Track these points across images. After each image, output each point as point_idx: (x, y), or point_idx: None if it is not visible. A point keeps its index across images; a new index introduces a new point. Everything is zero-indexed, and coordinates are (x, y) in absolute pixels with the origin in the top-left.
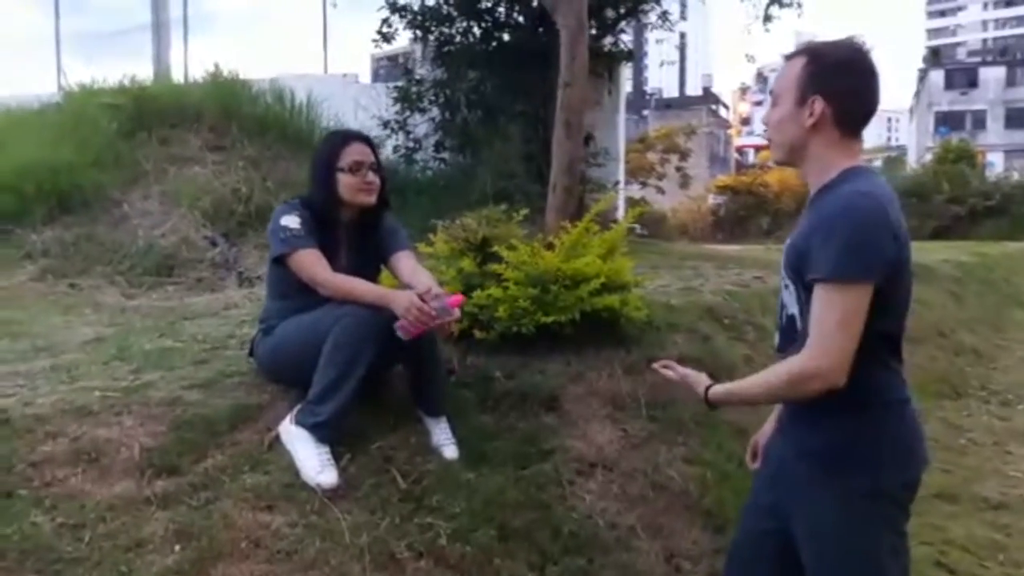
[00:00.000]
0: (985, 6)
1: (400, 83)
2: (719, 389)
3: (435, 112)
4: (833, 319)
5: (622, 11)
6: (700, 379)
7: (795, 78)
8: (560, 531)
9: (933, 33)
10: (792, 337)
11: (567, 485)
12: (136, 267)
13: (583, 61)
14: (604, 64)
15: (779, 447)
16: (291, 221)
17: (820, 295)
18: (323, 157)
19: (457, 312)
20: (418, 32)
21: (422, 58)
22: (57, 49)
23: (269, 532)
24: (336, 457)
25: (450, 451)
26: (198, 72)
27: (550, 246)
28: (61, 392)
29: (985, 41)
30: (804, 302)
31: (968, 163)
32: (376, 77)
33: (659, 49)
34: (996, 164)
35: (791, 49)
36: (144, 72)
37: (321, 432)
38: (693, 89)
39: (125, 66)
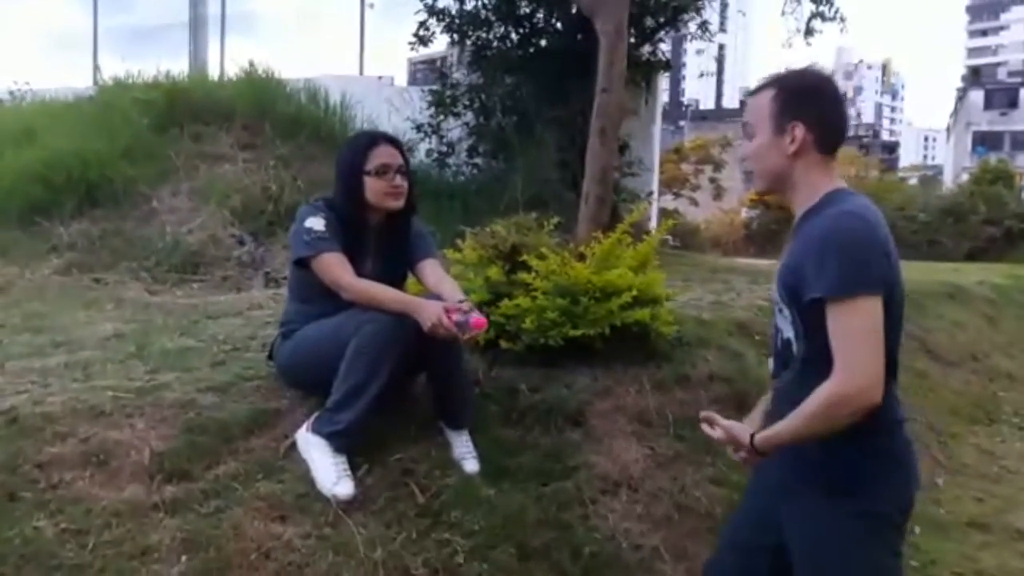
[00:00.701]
0: None
1: (435, 87)
2: (761, 437)
3: (469, 117)
4: (856, 335)
5: (661, 20)
6: (744, 430)
7: (768, 108)
8: (581, 552)
9: (973, 52)
10: (787, 360)
11: (590, 504)
12: (162, 263)
13: (621, 68)
14: (642, 73)
15: (777, 464)
16: (316, 223)
17: (836, 314)
18: (348, 159)
19: (476, 332)
20: (455, 36)
21: (458, 62)
22: (95, 44)
23: (280, 543)
24: (353, 468)
25: (471, 465)
26: (233, 71)
27: (581, 256)
28: (73, 391)
29: None
30: (800, 326)
31: (1006, 184)
32: (413, 81)
33: (698, 60)
34: None
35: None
36: (180, 69)
37: (339, 441)
38: (730, 102)
39: (162, 63)
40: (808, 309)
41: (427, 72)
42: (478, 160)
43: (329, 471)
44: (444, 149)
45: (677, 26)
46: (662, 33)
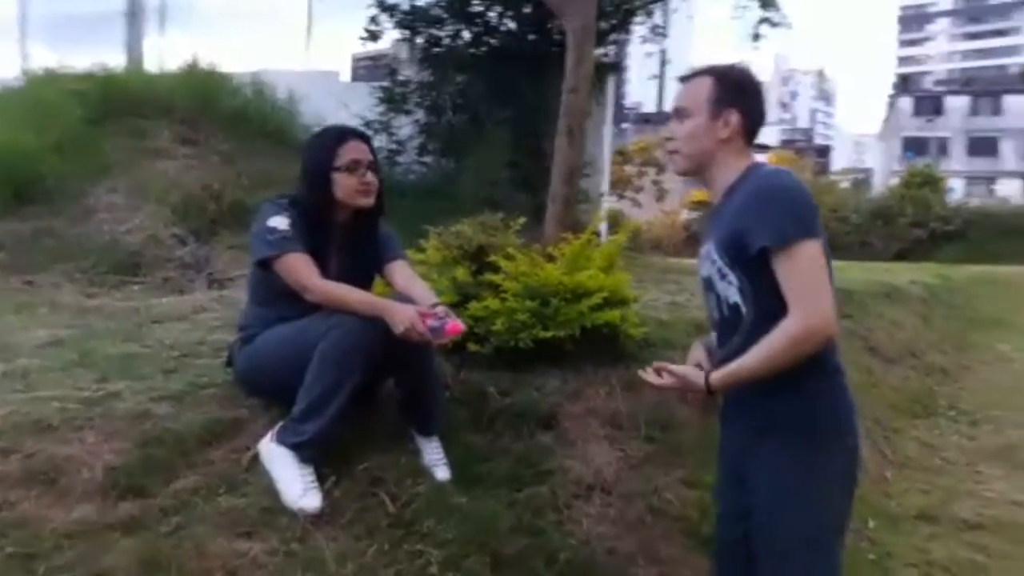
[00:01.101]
0: (952, 38)
1: (385, 83)
2: (718, 375)
3: (420, 114)
4: (808, 274)
5: (613, 22)
6: (696, 373)
7: (706, 94)
8: (556, 558)
9: (903, 61)
10: (736, 325)
11: (563, 509)
12: (99, 265)
13: (589, 67)
14: (595, 75)
15: (735, 436)
16: (279, 222)
17: (784, 259)
18: (317, 155)
19: (451, 338)
20: (406, 32)
21: (409, 59)
22: (22, 32)
23: (246, 561)
24: (320, 479)
25: (442, 472)
26: (173, 63)
27: (550, 258)
28: (15, 402)
29: (951, 71)
30: (747, 286)
31: (932, 188)
32: (356, 77)
33: (642, 63)
34: (957, 190)
35: (703, 71)
36: (115, 61)
37: (305, 452)
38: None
39: (96, 54)
40: (755, 266)
41: (371, 68)
42: (428, 159)
43: (295, 483)
44: (394, 147)
45: (628, 28)
46: (613, 36)
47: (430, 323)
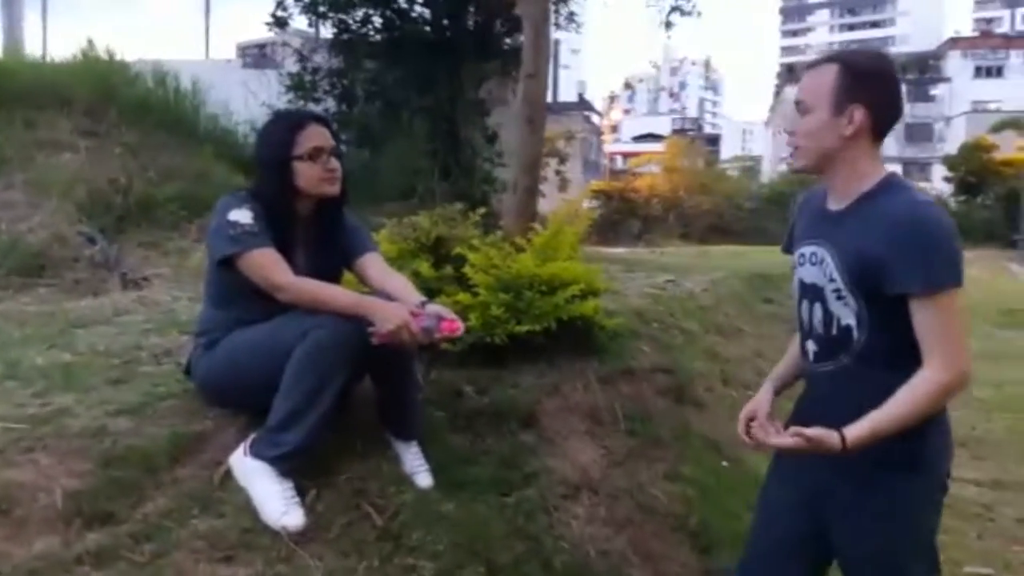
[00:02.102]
0: (831, 29)
1: (294, 70)
2: (856, 434)
3: (331, 103)
4: (954, 326)
5: None
6: (830, 435)
7: (830, 87)
8: (551, 563)
9: (786, 51)
10: (844, 346)
11: (553, 511)
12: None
13: (547, 52)
14: (514, 63)
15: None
16: (242, 216)
17: (929, 307)
18: (274, 144)
19: (446, 338)
20: (313, 17)
21: (309, 45)
22: None
23: None
24: (300, 492)
25: (424, 479)
26: (59, 50)
27: (518, 249)
28: None
29: None
30: (866, 315)
31: None
32: (243, 66)
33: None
34: None
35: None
36: None
37: (284, 465)
38: (566, 95)
39: None
40: (886, 302)
41: (258, 57)
42: (342, 148)
43: (275, 500)
44: None
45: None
46: None
47: (423, 323)
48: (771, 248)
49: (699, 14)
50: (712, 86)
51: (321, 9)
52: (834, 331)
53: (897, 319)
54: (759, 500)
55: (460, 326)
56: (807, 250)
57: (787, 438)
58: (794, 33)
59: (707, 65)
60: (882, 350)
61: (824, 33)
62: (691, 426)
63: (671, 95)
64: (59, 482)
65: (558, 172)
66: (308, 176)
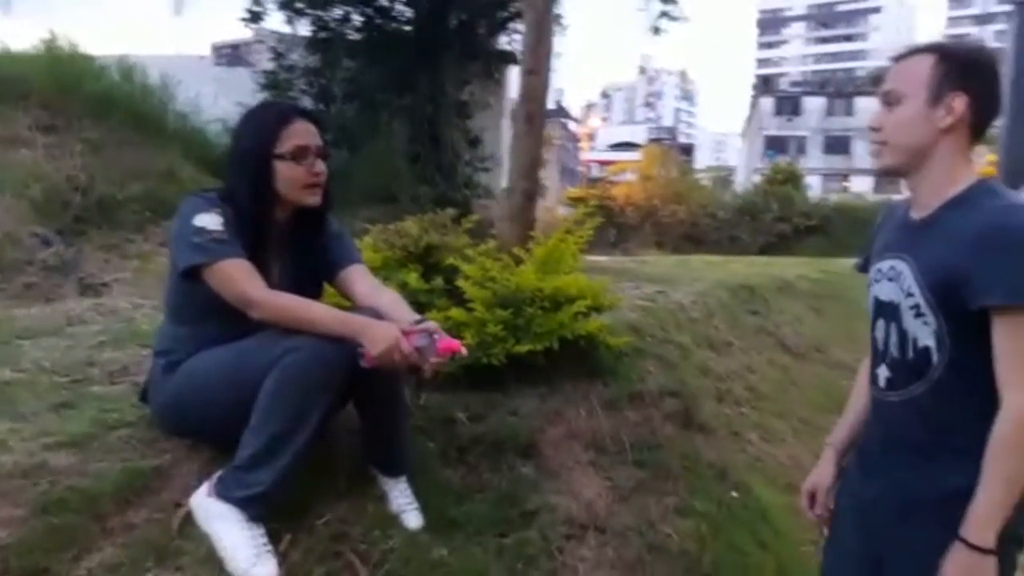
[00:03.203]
0: (806, 42)
1: (269, 68)
2: (980, 525)
3: (308, 102)
4: None
5: (513, 11)
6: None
7: (926, 76)
8: None
9: (762, 63)
10: (919, 372)
11: (556, 554)
12: None
13: (549, 47)
14: (495, 65)
15: (884, 488)
16: (210, 221)
17: (1011, 325)
18: (253, 140)
19: (443, 360)
20: (290, 14)
21: (291, 43)
22: None
23: None
24: (273, 539)
25: (413, 519)
26: (20, 43)
27: (517, 260)
28: None
29: (805, 73)
30: (949, 334)
31: (794, 184)
32: (216, 63)
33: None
34: (814, 186)
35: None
36: None
37: (255, 508)
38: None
39: None
40: (968, 319)
41: (232, 57)
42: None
43: (244, 547)
44: None
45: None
46: (511, 24)
47: (417, 342)
48: (748, 259)
49: (687, 19)
50: (687, 96)
51: (298, 6)
52: (910, 353)
53: (981, 343)
54: (823, 559)
55: (460, 346)
56: (884, 265)
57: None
58: (769, 45)
59: (683, 76)
60: (962, 378)
61: (799, 46)
62: (700, 454)
63: (647, 104)
64: None
65: None
66: (289, 178)
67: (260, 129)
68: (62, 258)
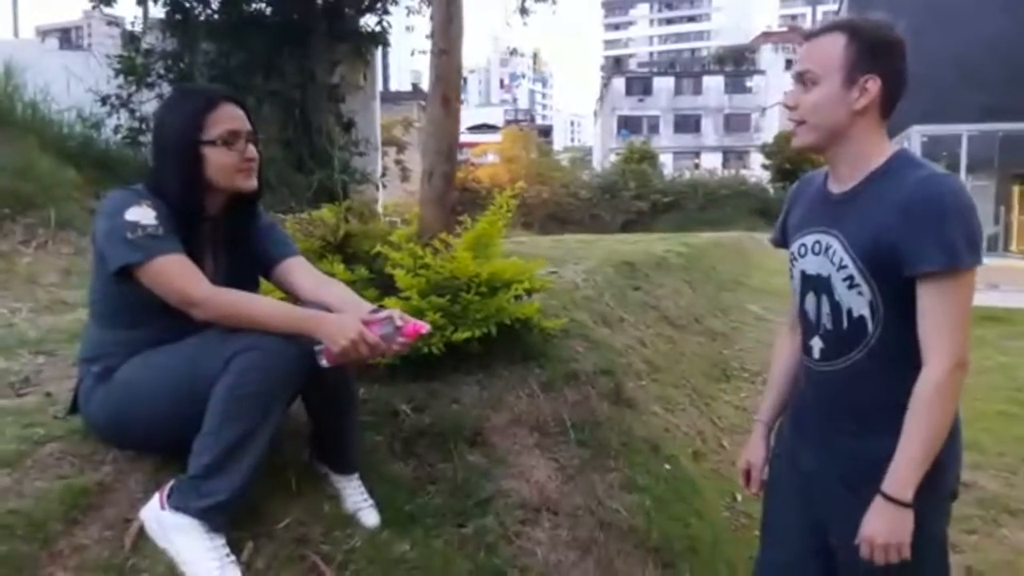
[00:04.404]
0: (651, 23)
1: (123, 52)
2: (900, 481)
3: (166, 88)
4: (961, 310)
5: None
6: (888, 518)
7: (838, 57)
8: None
9: (609, 44)
10: (854, 342)
11: (515, 539)
12: None
13: (460, 24)
14: (365, 46)
15: (826, 458)
16: (142, 215)
17: (944, 288)
18: (179, 126)
19: (410, 341)
20: None
21: (144, 26)
22: None
23: None
24: (233, 546)
25: (370, 516)
26: None
27: (446, 244)
28: None
29: (651, 54)
30: (883, 301)
31: (650, 163)
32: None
33: (407, 37)
34: (667, 164)
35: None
36: None
37: (216, 518)
38: (398, 84)
39: None
40: (901, 285)
41: (61, 41)
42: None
43: (207, 560)
44: (137, 125)
45: None
46: (379, 5)
47: (379, 331)
48: (617, 236)
49: (554, 1)
50: (541, 78)
51: None
52: (844, 324)
53: (912, 309)
54: (762, 529)
55: (425, 326)
56: (808, 240)
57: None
58: (616, 27)
59: (536, 57)
60: (897, 344)
61: (644, 27)
62: (632, 430)
63: (502, 86)
64: None
65: (398, 162)
66: (221, 165)
67: (185, 116)
68: None
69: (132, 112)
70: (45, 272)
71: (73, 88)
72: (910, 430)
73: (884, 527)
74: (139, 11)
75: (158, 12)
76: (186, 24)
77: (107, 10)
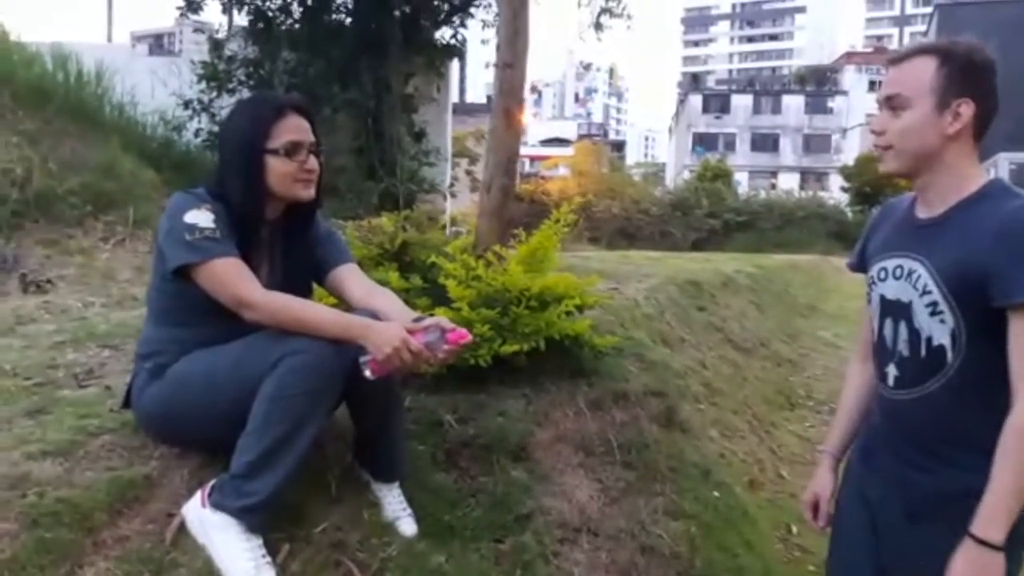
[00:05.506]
0: (732, 40)
1: (206, 59)
2: (990, 522)
3: (246, 94)
4: None
5: (455, 3)
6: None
7: (929, 81)
8: None
9: (687, 60)
10: (932, 370)
11: (552, 558)
12: None
13: (526, 38)
14: (439, 59)
15: (892, 488)
16: (201, 218)
17: None
18: (246, 133)
19: (455, 349)
20: (227, 3)
21: (228, 33)
22: None
23: None
24: (271, 549)
25: (408, 526)
26: None
27: (498, 258)
28: None
29: (731, 72)
30: (966, 331)
31: (724, 181)
32: (150, 53)
33: (483, 50)
34: (741, 183)
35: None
36: None
37: (254, 518)
38: (474, 96)
39: None
40: (988, 316)
41: (153, 47)
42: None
43: (243, 559)
44: (216, 129)
45: (469, 11)
46: (455, 18)
47: (425, 339)
48: (686, 254)
49: (629, 16)
50: (616, 93)
51: None
52: (923, 351)
53: (997, 341)
54: (828, 567)
55: (468, 335)
56: (890, 264)
57: None
58: (696, 43)
59: (612, 72)
60: (976, 376)
61: (725, 44)
62: (684, 454)
63: (577, 100)
64: None
65: (469, 172)
66: (281, 174)
67: (253, 123)
68: (3, 254)
69: (212, 116)
70: (121, 268)
71: (158, 92)
72: (1000, 465)
73: (971, 571)
74: (224, 19)
75: (242, 20)
76: (268, 32)
77: (194, 17)
